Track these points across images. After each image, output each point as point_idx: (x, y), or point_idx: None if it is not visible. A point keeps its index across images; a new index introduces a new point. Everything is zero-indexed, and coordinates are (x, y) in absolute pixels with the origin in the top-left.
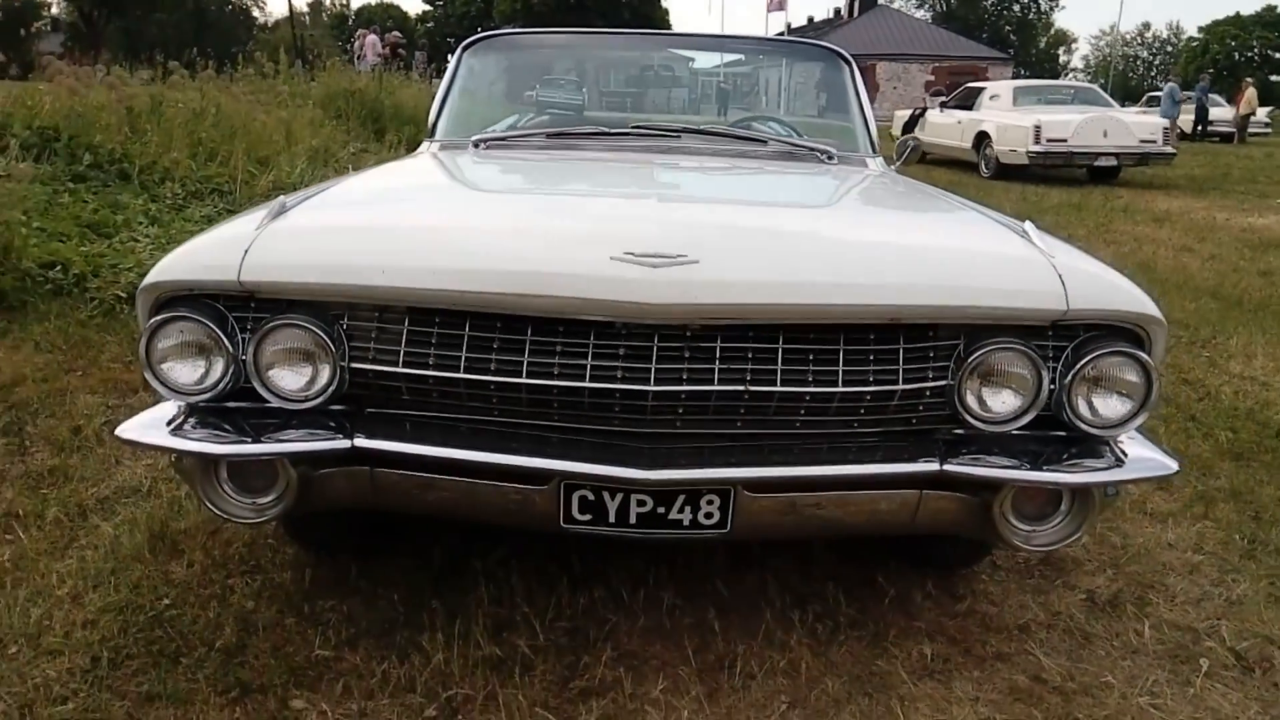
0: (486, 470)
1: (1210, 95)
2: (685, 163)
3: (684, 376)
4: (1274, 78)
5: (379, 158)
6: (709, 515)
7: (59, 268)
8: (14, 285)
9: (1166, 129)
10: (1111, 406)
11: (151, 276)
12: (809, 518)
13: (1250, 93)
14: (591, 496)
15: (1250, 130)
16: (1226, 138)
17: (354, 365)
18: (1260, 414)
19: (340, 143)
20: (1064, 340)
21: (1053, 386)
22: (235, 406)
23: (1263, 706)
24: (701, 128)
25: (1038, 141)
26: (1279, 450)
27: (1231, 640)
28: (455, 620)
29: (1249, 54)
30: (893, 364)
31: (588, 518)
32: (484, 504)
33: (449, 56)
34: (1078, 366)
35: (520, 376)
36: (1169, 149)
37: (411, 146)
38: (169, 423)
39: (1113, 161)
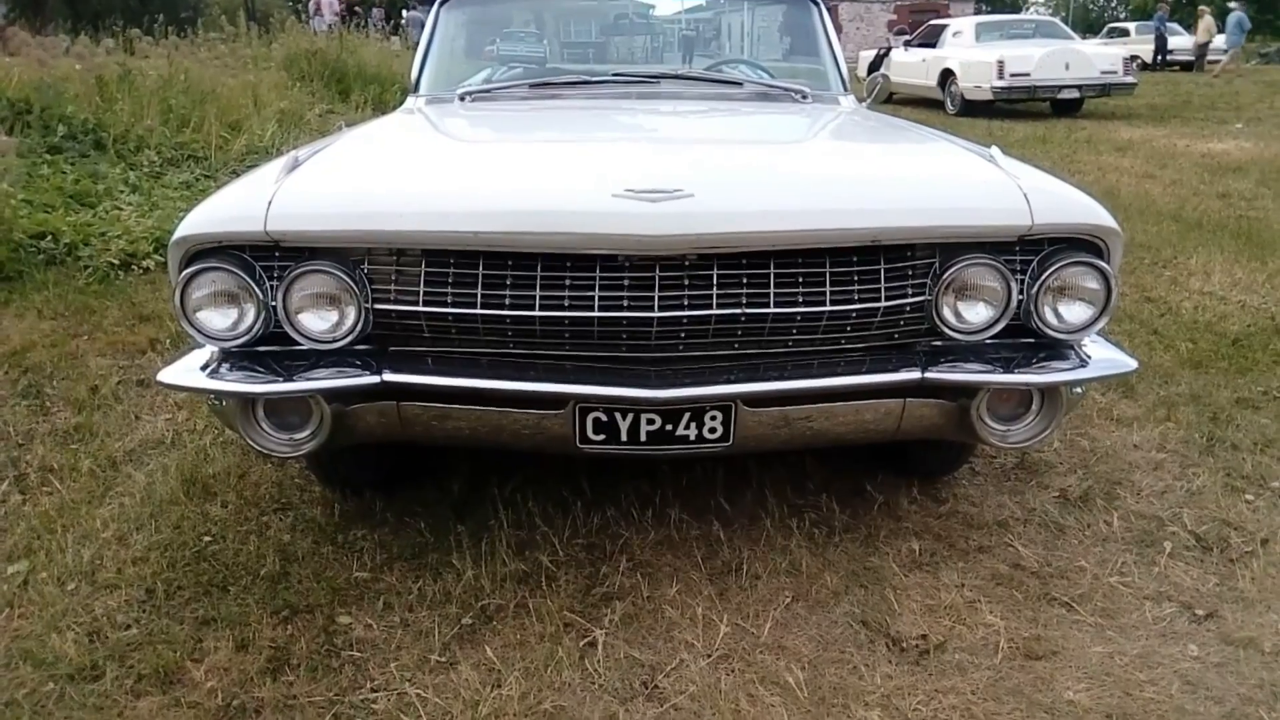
0: (506, 398)
1: (1168, 24)
2: (667, 107)
3: (685, 302)
4: (1231, 4)
5: (349, 118)
6: (713, 430)
7: (49, 238)
8: (9, 256)
9: (1128, 59)
10: (1075, 313)
11: (181, 231)
12: (803, 429)
13: (1207, 20)
14: (604, 417)
15: (1209, 58)
16: (1186, 66)
17: (377, 306)
18: (1217, 326)
19: (307, 105)
20: (1030, 254)
21: (1021, 297)
22: (266, 350)
23: (1220, 579)
24: (680, 73)
25: (1001, 76)
26: (1234, 358)
27: (1192, 525)
28: (480, 542)
29: None
30: (875, 283)
31: (601, 438)
32: (505, 430)
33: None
34: (1043, 277)
35: (533, 309)
36: (1129, 79)
37: (378, 105)
38: (204, 367)
39: (1075, 94)
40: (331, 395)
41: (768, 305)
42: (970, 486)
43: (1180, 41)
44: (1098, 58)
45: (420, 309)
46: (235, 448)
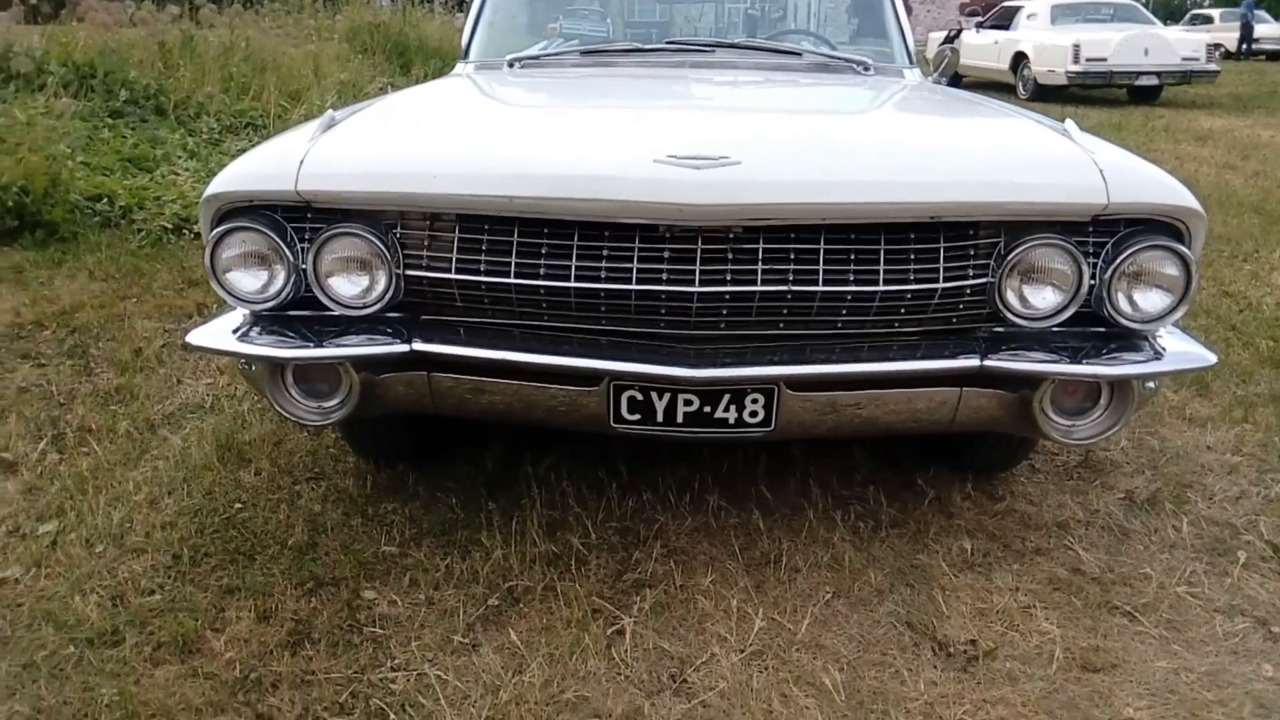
0: (539, 372)
1: (1256, 12)
2: (721, 76)
3: (728, 278)
4: None
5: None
6: (754, 414)
7: (105, 200)
8: (64, 217)
9: (1212, 45)
10: (1151, 300)
11: (212, 188)
12: (850, 416)
13: None
14: (640, 396)
15: None
16: (1274, 56)
17: (409, 272)
18: None
19: (367, 77)
20: (1104, 235)
21: (1093, 282)
22: (297, 315)
23: None
24: (735, 42)
25: (1076, 61)
26: None
27: (1269, 534)
28: (511, 521)
29: None
30: (933, 263)
31: (636, 417)
32: (536, 405)
33: None
34: (1118, 261)
35: (568, 280)
36: (1212, 66)
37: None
38: (235, 330)
39: (1154, 80)
40: (360, 363)
41: (816, 283)
42: (1029, 484)
43: (1268, 30)
44: (1179, 43)
45: (453, 276)
46: (272, 415)
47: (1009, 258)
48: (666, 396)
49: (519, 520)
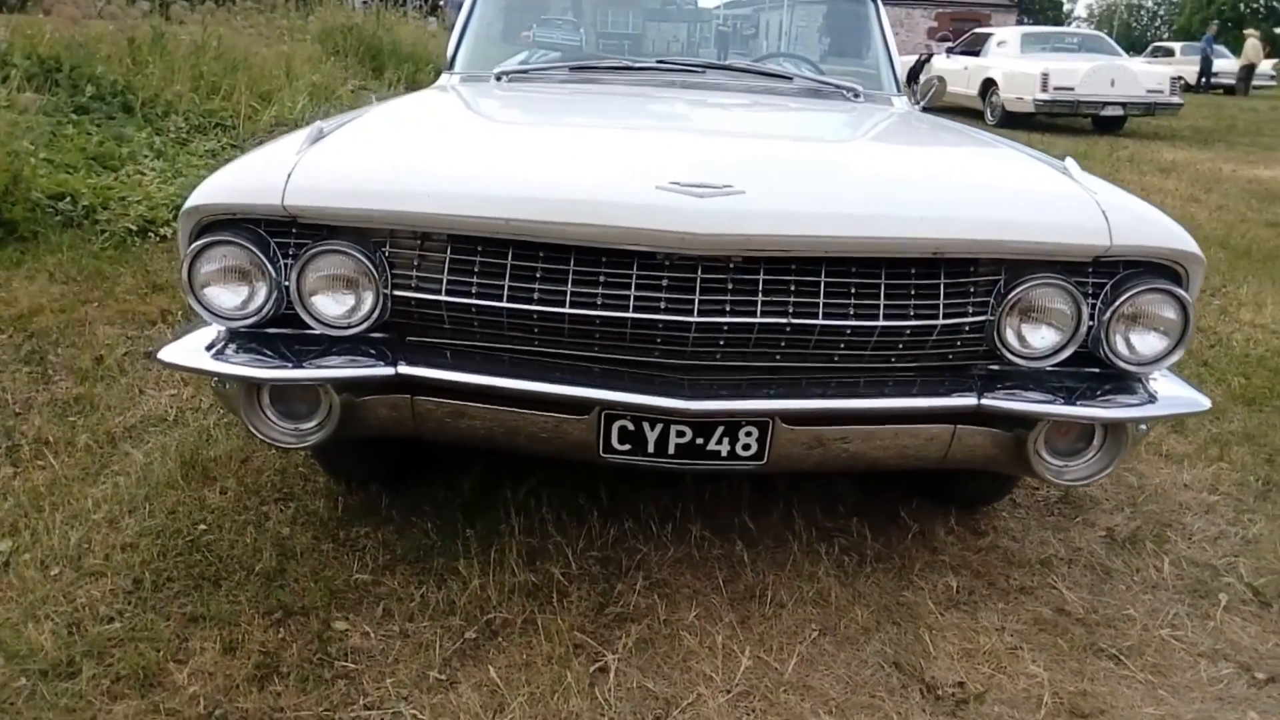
0: (528, 399)
1: (1215, 47)
2: (715, 98)
3: (727, 308)
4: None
5: (381, 95)
6: (746, 447)
7: (68, 199)
8: (25, 216)
9: (1175, 78)
10: (1149, 343)
11: (193, 200)
12: (843, 451)
13: (1253, 43)
14: (631, 426)
15: (1256, 83)
16: (1229, 90)
17: (396, 293)
18: (1271, 361)
19: (339, 79)
20: (1103, 277)
21: (1091, 323)
22: (276, 333)
23: None
24: (726, 64)
25: (1044, 89)
26: None
27: (1249, 576)
28: (489, 548)
29: (1254, 4)
30: (933, 298)
31: (627, 448)
32: (524, 433)
33: None
34: (1117, 303)
35: (563, 306)
36: (1176, 99)
37: (412, 84)
38: (209, 347)
39: (1119, 111)
40: (342, 385)
41: (816, 316)
42: (1011, 519)
43: (1225, 64)
44: (1144, 76)
45: (442, 298)
46: (239, 430)
47: (1009, 296)
48: (659, 427)
49: (497, 548)
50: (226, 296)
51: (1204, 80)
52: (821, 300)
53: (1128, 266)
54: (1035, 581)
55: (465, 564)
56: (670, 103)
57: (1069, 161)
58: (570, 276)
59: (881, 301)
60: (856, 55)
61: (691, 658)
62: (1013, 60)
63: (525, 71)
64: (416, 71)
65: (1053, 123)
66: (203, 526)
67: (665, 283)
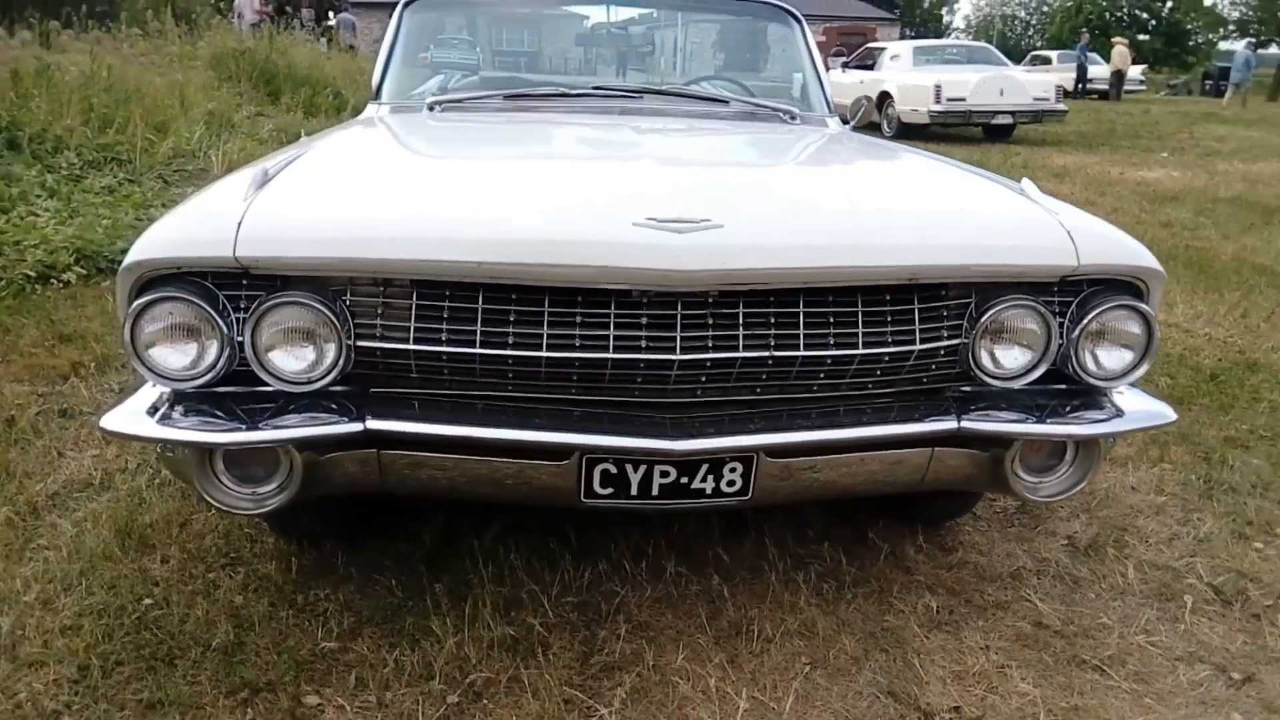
0: (504, 448)
1: (1089, 54)
2: (655, 123)
3: (709, 344)
4: (1142, 37)
5: (278, 122)
6: (731, 483)
7: None
8: None
9: (1059, 86)
10: (1116, 358)
11: (135, 255)
12: (826, 481)
13: (1121, 49)
14: (614, 470)
15: (1126, 88)
16: (1103, 95)
17: (360, 343)
18: (1191, 360)
19: (234, 106)
20: (1069, 295)
21: (1060, 341)
22: (225, 391)
23: (1249, 637)
24: (663, 89)
25: (938, 100)
26: (1214, 394)
27: (1208, 576)
28: (461, 602)
29: (1119, 14)
30: (909, 324)
31: (609, 491)
32: (499, 481)
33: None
34: (1085, 320)
35: (540, 350)
36: (1061, 106)
37: (310, 109)
38: (153, 411)
39: (1009, 119)
40: (304, 444)
41: (798, 347)
42: (975, 533)
43: (1099, 71)
44: (1031, 84)
45: (410, 347)
46: (173, 489)
47: (982, 319)
48: (643, 469)
49: (470, 601)
50: (174, 357)
51: (1080, 86)
52: (802, 331)
53: (1091, 284)
54: (1009, 595)
55: (437, 621)
56: (614, 129)
57: (1025, 183)
58: (546, 319)
59: (860, 329)
60: (784, 78)
61: (687, 704)
62: (906, 73)
63: (460, 100)
64: (314, 95)
65: (946, 133)
66: (148, 601)
67: (645, 321)
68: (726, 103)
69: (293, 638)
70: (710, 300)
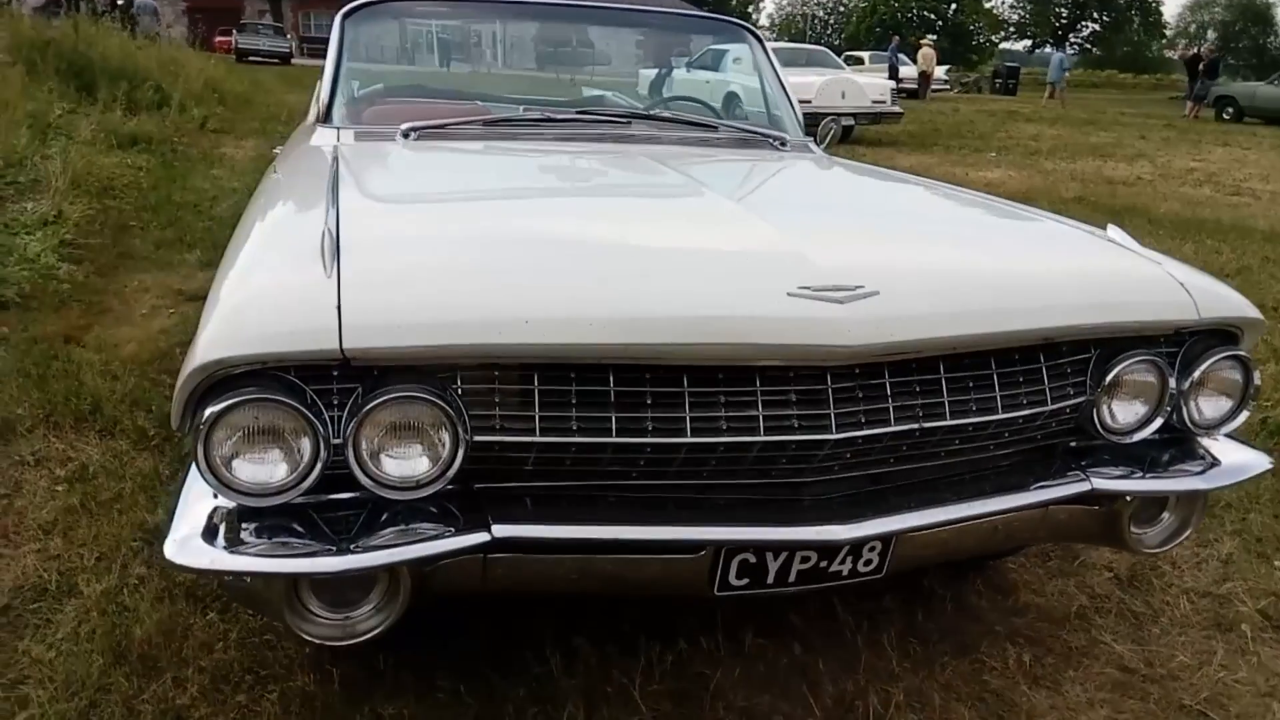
0: (635, 545)
1: (900, 56)
2: (659, 151)
3: (861, 420)
4: (930, 37)
5: (100, 121)
6: (869, 562)
7: None
8: None
9: (894, 90)
10: (1219, 406)
11: (209, 353)
12: (955, 547)
13: (927, 51)
14: (754, 559)
15: (933, 88)
16: (912, 94)
17: (476, 438)
18: None
19: (48, 104)
20: (1174, 346)
21: (1173, 392)
22: (302, 502)
23: None
24: (651, 114)
25: None
26: None
27: (1252, 602)
28: (543, 703)
29: (909, 15)
30: (1039, 384)
31: (744, 582)
32: (622, 580)
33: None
34: (1197, 372)
35: (684, 436)
36: (897, 109)
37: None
38: (210, 534)
39: (850, 121)
40: (424, 561)
41: (944, 416)
42: (1023, 571)
43: (908, 71)
44: (869, 87)
45: (535, 439)
46: (155, 587)
47: (1107, 376)
48: (783, 556)
49: (553, 706)
50: (260, 470)
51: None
52: (946, 399)
53: (1193, 334)
54: (1085, 640)
55: None
56: (649, 164)
57: (1111, 229)
58: (687, 400)
59: (998, 394)
60: (754, 99)
61: None
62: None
63: (442, 126)
64: (133, 89)
65: None
66: None
67: (794, 398)
68: (715, 129)
69: None
70: (857, 371)
